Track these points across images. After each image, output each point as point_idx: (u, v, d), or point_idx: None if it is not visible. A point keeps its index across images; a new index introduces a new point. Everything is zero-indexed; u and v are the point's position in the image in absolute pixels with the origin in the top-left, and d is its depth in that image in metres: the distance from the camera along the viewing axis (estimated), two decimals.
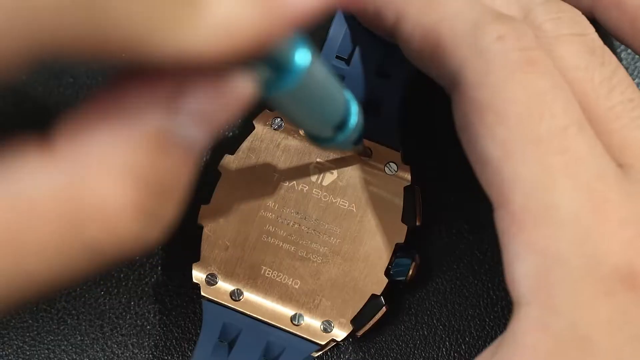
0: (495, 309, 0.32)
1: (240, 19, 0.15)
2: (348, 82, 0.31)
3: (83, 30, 0.14)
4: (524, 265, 0.24)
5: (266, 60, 0.18)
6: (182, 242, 0.33)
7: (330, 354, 0.33)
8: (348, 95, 0.25)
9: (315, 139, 0.26)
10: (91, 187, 0.17)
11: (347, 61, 0.31)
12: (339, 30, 0.31)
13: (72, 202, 0.17)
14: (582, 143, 0.24)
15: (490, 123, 0.24)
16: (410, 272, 0.31)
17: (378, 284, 0.31)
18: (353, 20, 0.31)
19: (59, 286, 0.17)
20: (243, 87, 0.17)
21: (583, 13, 0.28)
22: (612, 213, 0.24)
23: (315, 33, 0.34)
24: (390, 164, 0.31)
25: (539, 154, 0.24)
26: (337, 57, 0.31)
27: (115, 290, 0.33)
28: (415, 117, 0.33)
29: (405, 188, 0.31)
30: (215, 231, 0.31)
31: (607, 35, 0.29)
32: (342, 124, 0.25)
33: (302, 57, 0.19)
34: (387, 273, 0.31)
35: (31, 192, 0.16)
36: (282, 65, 0.19)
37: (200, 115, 0.17)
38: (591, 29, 0.27)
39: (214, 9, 0.15)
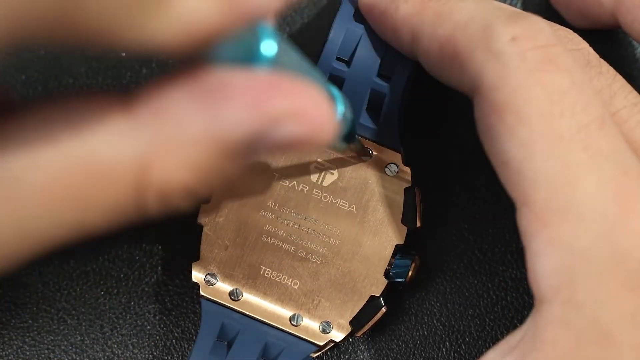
0: (495, 309, 0.32)
1: (201, 10, 0.16)
2: (349, 84, 0.31)
3: (54, 16, 0.15)
4: (548, 262, 0.24)
5: (234, 50, 0.18)
6: (182, 242, 0.33)
7: (331, 354, 0.33)
8: (333, 90, 0.25)
9: None
10: (162, 163, 0.18)
11: (348, 63, 0.31)
12: (339, 33, 0.31)
13: (142, 172, 0.18)
14: (605, 139, 0.24)
15: (510, 124, 0.24)
16: (410, 274, 0.31)
17: (377, 285, 0.31)
18: (354, 22, 0.31)
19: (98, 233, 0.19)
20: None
21: (605, 16, 0.28)
22: (637, 208, 0.24)
23: (315, 35, 0.34)
24: (391, 165, 0.31)
25: (561, 151, 0.24)
26: (338, 59, 0.31)
27: (115, 290, 0.33)
28: (416, 119, 0.33)
29: (406, 189, 0.31)
30: (215, 231, 0.31)
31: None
32: None
33: (268, 47, 0.19)
34: (386, 274, 0.31)
35: (107, 154, 0.18)
36: (249, 56, 0.19)
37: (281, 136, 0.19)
38: (585, 44, 0.28)
39: (178, 2, 0.16)
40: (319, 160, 0.31)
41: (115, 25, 0.15)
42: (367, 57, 0.31)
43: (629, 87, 0.27)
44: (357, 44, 0.31)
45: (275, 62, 0.19)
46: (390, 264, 0.31)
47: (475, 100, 0.25)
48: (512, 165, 0.24)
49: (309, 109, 0.19)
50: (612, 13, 0.29)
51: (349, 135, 0.27)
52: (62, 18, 0.15)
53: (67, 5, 0.14)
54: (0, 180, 0.17)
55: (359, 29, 0.31)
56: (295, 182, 0.31)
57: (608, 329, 0.23)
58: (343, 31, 0.31)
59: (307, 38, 0.34)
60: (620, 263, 0.23)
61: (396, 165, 0.31)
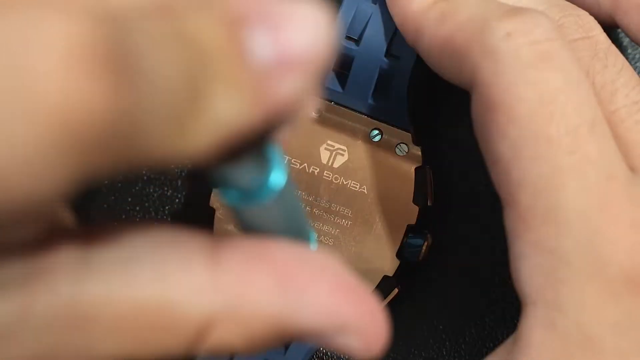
0: (495, 309, 0.32)
1: (233, 112, 0.15)
2: (357, 63, 0.31)
3: (116, 154, 0.15)
4: (531, 264, 0.24)
5: (238, 174, 0.18)
6: (195, 225, 0.33)
7: (331, 354, 0.33)
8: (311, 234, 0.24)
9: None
10: (226, 327, 0.18)
11: (357, 42, 0.31)
12: (349, 11, 0.31)
13: (205, 329, 0.18)
14: (593, 143, 0.24)
15: (501, 123, 0.24)
16: (423, 253, 0.31)
17: (390, 265, 0.31)
18: (363, 1, 0.31)
19: None
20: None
21: (603, 17, 0.28)
22: (620, 215, 0.23)
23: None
24: (401, 144, 0.31)
25: (548, 154, 0.23)
26: (347, 37, 0.31)
27: None
28: (425, 98, 0.33)
29: (416, 169, 0.31)
30: (227, 214, 0.31)
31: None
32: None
33: (277, 179, 0.19)
34: (399, 254, 0.31)
35: (183, 305, 0.17)
36: (253, 185, 0.18)
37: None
38: (596, 30, 0.27)
39: (213, 109, 0.15)
40: (329, 142, 0.31)
41: (156, 143, 0.15)
42: (376, 36, 0.31)
43: (633, 82, 0.26)
44: (367, 23, 0.31)
45: (278, 197, 0.19)
46: (402, 244, 0.31)
47: (472, 96, 0.25)
48: (500, 164, 0.24)
49: (372, 328, 0.19)
50: (610, 14, 0.28)
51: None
52: (119, 150, 0.14)
53: (124, 137, 0.14)
54: (74, 306, 0.17)
55: (369, 8, 0.31)
56: (305, 165, 0.31)
57: (592, 334, 0.23)
58: (353, 10, 0.31)
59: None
60: (602, 269, 0.23)
61: (406, 145, 0.31)
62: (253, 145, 0.17)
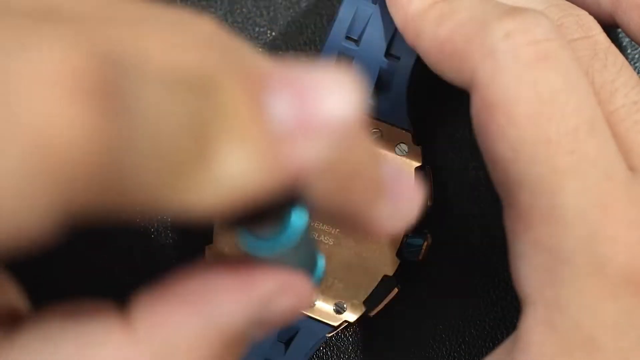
0: (495, 309, 0.32)
1: (243, 170, 0.15)
2: (357, 63, 0.31)
3: (107, 193, 0.14)
4: (530, 264, 0.24)
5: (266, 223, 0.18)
6: (193, 232, 0.33)
7: (331, 354, 0.33)
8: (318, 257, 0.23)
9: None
10: None
11: (357, 42, 0.31)
12: (349, 11, 0.31)
13: None
14: (592, 143, 0.24)
15: (500, 123, 0.24)
16: (423, 252, 0.31)
17: (390, 264, 0.31)
18: (363, 1, 0.31)
19: None
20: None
21: (604, 17, 0.28)
22: (619, 214, 0.23)
23: (325, 13, 0.34)
24: (401, 144, 0.31)
25: (547, 155, 0.24)
26: (347, 37, 0.31)
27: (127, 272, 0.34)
28: (426, 98, 0.33)
29: (416, 169, 0.31)
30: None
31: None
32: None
33: (296, 229, 0.19)
34: (399, 254, 0.31)
35: None
36: (276, 231, 0.19)
37: (271, 319, 0.19)
38: (596, 30, 0.27)
39: (221, 164, 0.15)
40: None
41: (155, 192, 0.15)
42: (376, 36, 0.31)
43: (632, 82, 0.26)
44: (367, 23, 0.31)
45: (295, 245, 0.19)
46: (402, 243, 0.31)
47: (471, 97, 0.25)
48: (500, 164, 0.24)
49: (292, 281, 0.19)
50: (610, 13, 0.28)
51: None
52: (108, 190, 0.14)
53: (113, 177, 0.14)
54: None
55: (369, 8, 0.31)
56: None
57: (591, 334, 0.23)
58: (353, 10, 0.31)
59: (315, 16, 0.34)
60: (601, 268, 0.23)
61: (406, 145, 0.31)
62: (270, 208, 0.17)
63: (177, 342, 0.18)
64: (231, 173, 0.15)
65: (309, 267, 0.21)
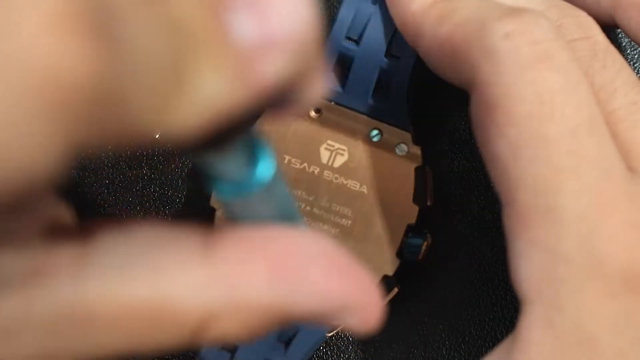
0: (495, 309, 0.32)
1: (218, 89, 0.16)
2: (358, 63, 0.31)
3: (103, 122, 0.14)
4: (529, 263, 0.24)
5: (225, 164, 0.18)
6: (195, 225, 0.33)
7: (331, 354, 0.33)
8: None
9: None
10: (225, 320, 0.18)
11: (357, 42, 0.31)
12: (349, 12, 0.31)
13: (205, 322, 0.18)
14: (592, 143, 0.24)
15: (500, 123, 0.24)
16: (422, 252, 0.31)
17: (390, 264, 0.31)
18: (363, 1, 0.31)
19: None
20: None
21: (603, 17, 0.28)
22: (617, 214, 0.23)
23: (325, 13, 0.34)
24: (401, 144, 0.31)
25: (547, 154, 0.24)
26: (347, 38, 0.31)
27: None
28: (426, 98, 0.33)
29: (416, 169, 0.31)
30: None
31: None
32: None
33: (265, 170, 0.19)
34: (399, 254, 0.31)
35: (181, 302, 0.18)
36: (241, 175, 0.19)
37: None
38: (595, 30, 0.27)
39: (198, 86, 0.15)
40: (329, 142, 0.31)
41: (141, 115, 0.15)
42: (376, 36, 0.31)
43: (632, 82, 0.26)
44: (367, 23, 0.31)
45: (267, 188, 0.19)
46: (402, 244, 0.31)
47: (471, 97, 0.25)
48: (499, 164, 0.24)
49: (367, 304, 0.19)
50: (609, 13, 0.28)
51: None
52: (103, 119, 0.14)
53: (107, 104, 0.14)
54: (74, 305, 0.17)
55: (369, 8, 0.31)
56: (305, 164, 0.31)
57: (591, 333, 0.23)
58: (353, 10, 0.31)
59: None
60: (599, 268, 0.23)
61: (406, 145, 0.31)
62: (240, 129, 0.18)
63: (248, 298, 0.18)
64: (208, 94, 0.15)
65: (287, 221, 0.21)
